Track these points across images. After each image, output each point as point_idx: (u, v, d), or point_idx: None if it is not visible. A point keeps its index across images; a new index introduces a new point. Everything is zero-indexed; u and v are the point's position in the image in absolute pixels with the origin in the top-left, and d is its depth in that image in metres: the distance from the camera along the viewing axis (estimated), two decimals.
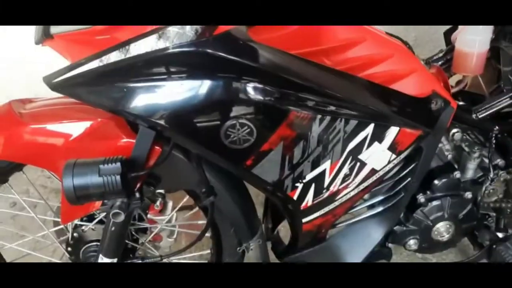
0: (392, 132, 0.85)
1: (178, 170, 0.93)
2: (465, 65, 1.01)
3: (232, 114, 0.73)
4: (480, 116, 1.02)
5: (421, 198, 1.03)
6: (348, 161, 0.86)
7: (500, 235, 1.16)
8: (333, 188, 0.89)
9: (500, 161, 1.06)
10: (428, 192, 1.04)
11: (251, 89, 0.71)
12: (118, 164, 0.78)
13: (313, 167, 0.84)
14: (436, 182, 1.03)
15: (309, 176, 0.85)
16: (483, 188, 1.06)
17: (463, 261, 1.20)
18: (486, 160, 1.07)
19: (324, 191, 0.89)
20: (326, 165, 0.84)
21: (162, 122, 0.74)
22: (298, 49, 0.75)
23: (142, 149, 0.83)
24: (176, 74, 0.70)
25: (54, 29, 0.76)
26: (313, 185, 0.87)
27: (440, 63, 1.09)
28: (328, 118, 0.78)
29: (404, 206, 1.00)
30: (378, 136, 0.85)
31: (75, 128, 0.87)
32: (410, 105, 0.86)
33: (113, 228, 0.92)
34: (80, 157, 0.83)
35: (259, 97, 0.72)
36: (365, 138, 0.83)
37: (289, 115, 0.75)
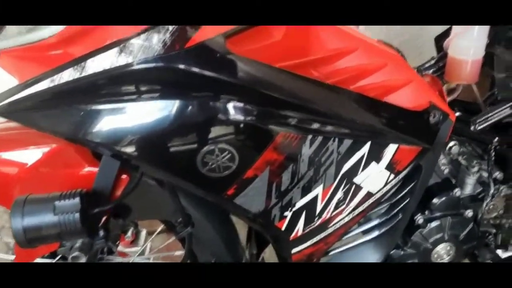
0: (390, 150, 0.76)
1: (150, 199, 0.82)
2: (459, 73, 0.93)
3: (209, 139, 0.62)
4: (479, 128, 0.94)
5: (419, 219, 0.94)
6: (342, 185, 0.76)
7: (500, 252, 1.08)
8: (325, 215, 0.79)
9: (499, 175, 0.99)
10: (427, 212, 0.95)
11: (231, 109, 0.61)
12: (77, 199, 0.67)
13: (304, 194, 0.74)
14: (435, 201, 0.94)
15: (299, 204, 0.75)
16: (484, 205, 0.99)
17: None
18: (485, 174, 0.99)
19: (316, 219, 0.79)
20: (318, 190, 0.74)
21: (127, 150, 0.62)
22: (283, 61, 0.65)
23: (106, 179, 0.72)
24: (143, 94, 0.59)
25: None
26: (303, 214, 0.77)
27: (431, 71, 1.01)
28: (319, 138, 0.68)
29: (402, 228, 0.92)
30: (375, 156, 0.75)
31: (30, 156, 0.76)
32: (408, 119, 0.78)
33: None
34: (36, 189, 0.72)
35: (241, 117, 0.62)
36: (361, 158, 0.74)
37: (275, 137, 0.65)
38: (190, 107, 0.60)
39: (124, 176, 0.75)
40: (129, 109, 0.60)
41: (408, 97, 0.78)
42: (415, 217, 0.94)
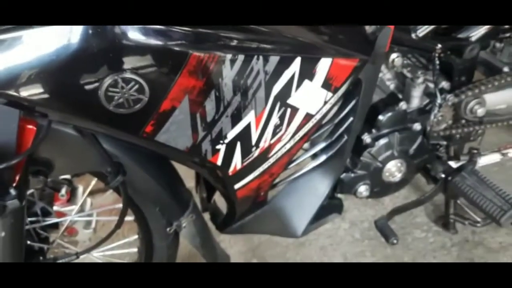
0: (324, 65, 0.69)
1: (71, 150, 0.74)
2: None
3: (110, 68, 0.53)
4: (420, 35, 0.88)
5: (366, 138, 0.90)
6: (276, 109, 0.70)
7: (452, 164, 1.06)
8: (263, 144, 0.73)
9: (445, 84, 0.95)
10: (374, 131, 0.91)
11: (131, 30, 0.52)
12: None
13: (234, 123, 0.67)
14: (380, 117, 0.90)
15: (231, 135, 0.68)
16: (432, 117, 0.95)
17: (420, 198, 1.10)
18: (431, 85, 0.95)
19: (253, 149, 0.73)
20: (249, 117, 0.68)
21: (22, 94, 0.53)
22: None
23: (7, 132, 0.63)
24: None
25: None
26: (238, 145, 0.70)
27: None
28: (240, 57, 0.61)
29: (349, 150, 0.87)
30: (307, 73, 0.69)
31: None
32: (341, 29, 0.71)
33: (2, 234, 0.73)
34: None
35: (142, 39, 0.53)
36: (292, 77, 0.67)
37: (188, 58, 0.56)
38: (84, 31, 0.51)
39: (30, 127, 0.66)
40: (16, 39, 0.50)
41: None
42: (362, 136, 0.90)
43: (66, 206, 0.97)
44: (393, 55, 0.89)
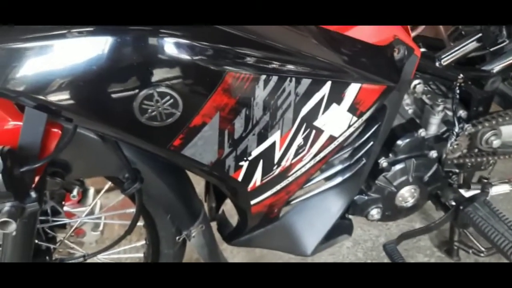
0: (353, 90, 0.70)
1: (91, 154, 0.73)
2: None
3: (146, 81, 0.53)
4: (444, 64, 0.89)
5: (383, 162, 0.90)
6: (302, 130, 0.70)
7: (463, 192, 1.07)
8: (285, 163, 0.73)
9: (462, 113, 0.95)
10: (391, 155, 0.91)
11: (171, 45, 0.52)
12: None
13: (260, 141, 0.67)
14: (399, 143, 0.90)
15: (255, 152, 0.68)
16: (448, 145, 0.95)
17: (429, 225, 1.10)
18: (449, 113, 0.95)
19: (275, 167, 0.73)
20: (275, 137, 0.68)
21: (52, 99, 0.53)
22: None
23: (33, 135, 0.63)
24: (70, 29, 0.49)
25: None
26: (261, 162, 0.70)
27: None
28: (274, 78, 0.61)
29: (366, 174, 0.87)
30: (336, 97, 0.69)
31: None
32: (371, 55, 0.71)
33: (14, 233, 0.72)
34: None
35: (181, 55, 0.53)
36: (321, 100, 0.67)
37: (224, 77, 0.56)
38: (123, 44, 0.51)
39: (55, 130, 0.66)
40: (54, 48, 0.50)
41: (372, 30, 0.72)
42: (379, 160, 0.90)
43: (76, 206, 0.97)
44: (415, 82, 0.89)
